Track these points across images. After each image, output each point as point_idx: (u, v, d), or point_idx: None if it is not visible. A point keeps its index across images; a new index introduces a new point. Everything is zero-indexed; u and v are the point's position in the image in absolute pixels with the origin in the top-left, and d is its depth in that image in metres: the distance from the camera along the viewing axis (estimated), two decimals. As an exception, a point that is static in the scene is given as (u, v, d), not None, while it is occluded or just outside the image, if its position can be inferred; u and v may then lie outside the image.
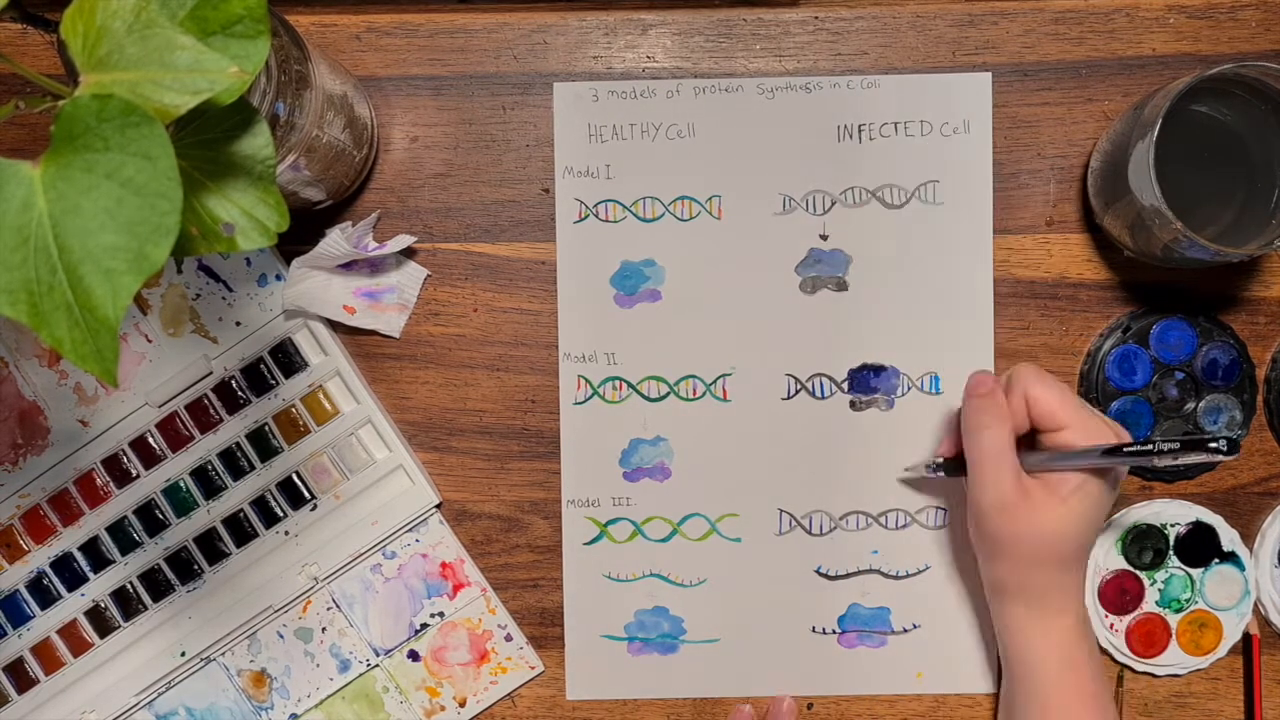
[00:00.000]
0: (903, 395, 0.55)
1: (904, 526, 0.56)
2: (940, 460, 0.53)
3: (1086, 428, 0.48)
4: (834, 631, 0.56)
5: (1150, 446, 0.44)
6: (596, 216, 0.55)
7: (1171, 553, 0.55)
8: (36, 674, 0.55)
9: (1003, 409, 0.49)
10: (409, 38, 0.55)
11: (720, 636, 0.56)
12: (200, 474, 0.55)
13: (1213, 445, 0.41)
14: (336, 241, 0.51)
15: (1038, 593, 0.49)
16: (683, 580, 0.56)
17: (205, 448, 0.55)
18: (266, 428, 0.55)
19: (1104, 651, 0.55)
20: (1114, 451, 0.45)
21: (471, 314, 0.56)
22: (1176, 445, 0.43)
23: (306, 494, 0.55)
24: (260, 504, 0.55)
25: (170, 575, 0.55)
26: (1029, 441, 0.50)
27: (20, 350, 0.55)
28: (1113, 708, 0.50)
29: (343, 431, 0.55)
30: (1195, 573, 0.55)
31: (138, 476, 0.55)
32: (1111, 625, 0.55)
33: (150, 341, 0.55)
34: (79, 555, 0.55)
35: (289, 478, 0.55)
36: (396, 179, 0.55)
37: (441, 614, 0.56)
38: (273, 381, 0.55)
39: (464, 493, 0.56)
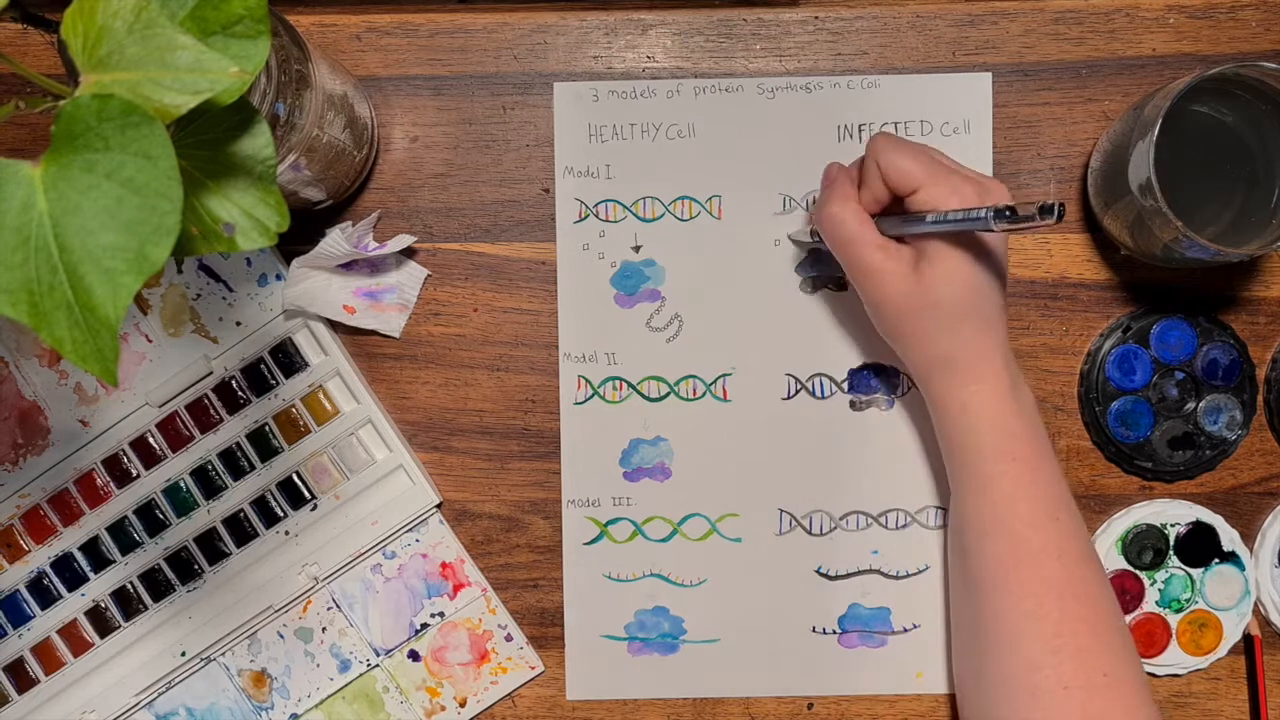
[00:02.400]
0: (903, 395, 0.55)
1: (904, 526, 0.56)
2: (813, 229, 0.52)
3: (942, 185, 0.46)
4: (834, 631, 0.56)
5: (980, 213, 0.42)
6: (596, 216, 0.55)
7: (1171, 553, 0.55)
8: (36, 674, 0.55)
9: (846, 186, 0.48)
10: (409, 38, 0.55)
11: (720, 636, 0.56)
12: (200, 474, 0.55)
13: (1026, 213, 0.40)
14: (336, 241, 0.51)
15: (954, 360, 0.48)
16: (683, 580, 0.56)
17: (205, 448, 0.55)
18: (266, 428, 0.55)
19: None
20: (953, 220, 0.44)
21: (471, 314, 0.56)
22: (1005, 213, 0.41)
23: (306, 494, 0.55)
24: (260, 504, 0.55)
25: (170, 575, 0.55)
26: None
27: (20, 350, 0.55)
28: (1059, 472, 0.48)
29: (343, 431, 0.55)
30: (1195, 573, 0.55)
31: (138, 476, 0.55)
32: (1112, 625, 0.55)
33: (150, 341, 0.55)
34: (79, 555, 0.55)
35: (289, 478, 0.55)
36: (396, 179, 0.55)
37: (442, 614, 0.56)
38: (273, 381, 0.55)
39: (464, 493, 0.56)
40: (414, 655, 0.56)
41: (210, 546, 0.55)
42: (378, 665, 0.56)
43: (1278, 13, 0.54)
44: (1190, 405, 0.54)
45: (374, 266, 0.55)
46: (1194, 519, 0.54)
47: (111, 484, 0.55)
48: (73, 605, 0.55)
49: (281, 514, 0.55)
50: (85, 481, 0.55)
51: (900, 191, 0.47)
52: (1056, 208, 0.39)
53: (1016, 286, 0.55)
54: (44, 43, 0.54)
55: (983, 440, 0.48)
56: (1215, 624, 0.55)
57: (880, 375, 0.55)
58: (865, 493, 0.56)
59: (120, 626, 0.55)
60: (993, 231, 0.43)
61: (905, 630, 0.56)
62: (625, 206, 0.55)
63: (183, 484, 0.55)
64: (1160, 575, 0.55)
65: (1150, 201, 0.46)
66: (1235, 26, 0.54)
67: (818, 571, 0.56)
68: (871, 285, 0.48)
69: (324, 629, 0.56)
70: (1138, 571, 0.55)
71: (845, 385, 0.55)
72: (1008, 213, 0.41)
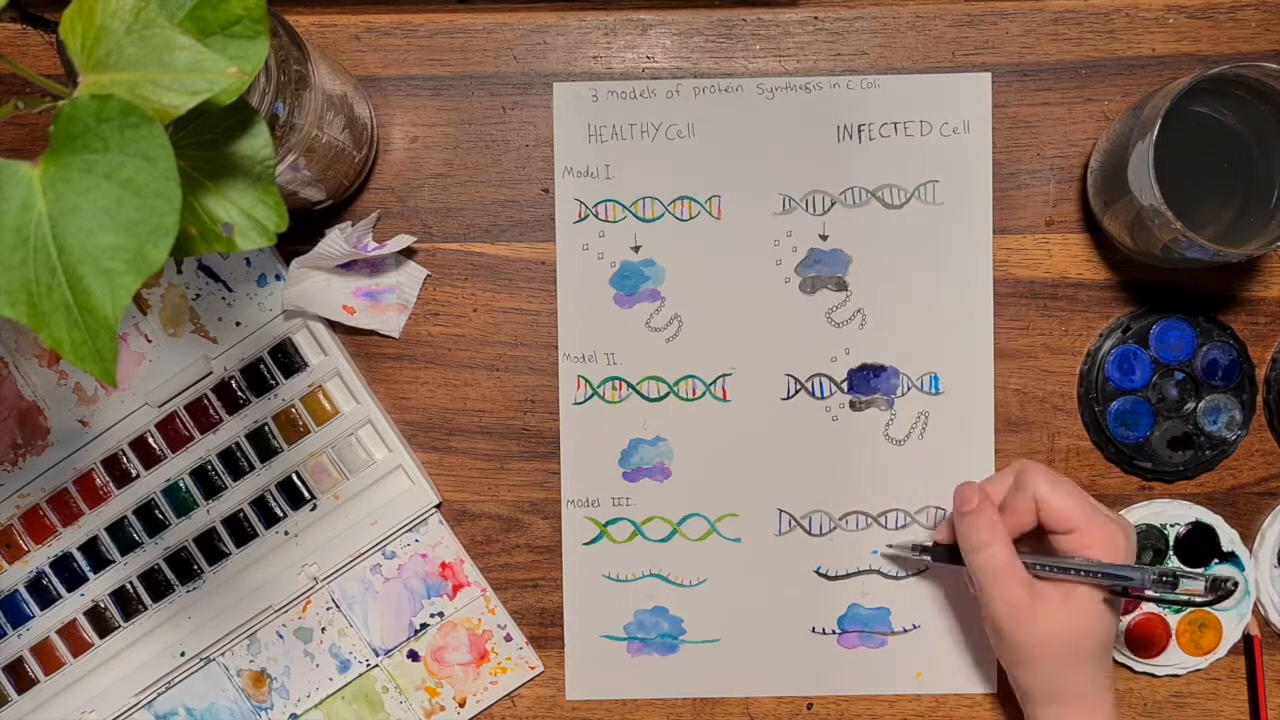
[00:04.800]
0: (903, 395, 0.55)
1: (904, 526, 0.56)
2: (930, 545, 0.53)
3: (1098, 532, 0.47)
4: (834, 632, 0.56)
5: (1140, 576, 0.44)
6: (596, 216, 0.55)
7: (1171, 553, 0.55)
8: (36, 674, 0.55)
9: (997, 524, 0.49)
10: (408, 38, 0.55)
11: (720, 637, 0.56)
12: (200, 474, 0.55)
13: (1203, 599, 0.41)
14: (336, 241, 0.51)
15: (1067, 695, 0.48)
16: (683, 580, 0.56)
17: (205, 448, 0.55)
18: (266, 428, 0.55)
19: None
20: (1116, 577, 0.45)
21: (471, 314, 0.56)
22: (1165, 580, 0.42)
23: (306, 494, 0.55)
24: (260, 504, 0.55)
25: (170, 575, 0.55)
26: (1036, 535, 0.49)
27: (20, 350, 0.55)
28: None
29: (342, 431, 0.55)
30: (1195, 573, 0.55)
31: (137, 476, 0.55)
32: (1111, 625, 0.55)
33: (150, 341, 0.55)
34: (79, 555, 0.55)
35: (289, 478, 0.55)
36: (396, 179, 0.55)
37: (441, 614, 0.56)
38: (272, 382, 0.55)
39: (464, 493, 0.56)
40: (413, 655, 0.56)
41: (210, 546, 0.55)
42: (377, 665, 0.56)
43: (1277, 13, 0.54)
44: (1190, 405, 0.54)
45: (373, 267, 0.55)
46: (1193, 519, 0.54)
47: (111, 484, 0.55)
48: (72, 605, 0.55)
49: (281, 514, 0.55)
50: (85, 481, 0.55)
51: (1054, 530, 0.48)
52: (1226, 588, 0.40)
53: (1016, 286, 0.55)
54: (43, 43, 0.54)
55: None
56: (1215, 624, 0.55)
57: (880, 375, 0.55)
58: (865, 493, 0.56)
59: (120, 626, 0.55)
60: (1142, 594, 0.43)
61: (905, 630, 0.56)
62: (625, 206, 0.55)
63: (182, 484, 0.55)
64: (1160, 575, 0.55)
65: (1150, 201, 0.46)
66: (1235, 26, 0.54)
67: (817, 572, 0.56)
68: (1014, 620, 0.47)
69: (323, 629, 0.56)
70: (1137, 572, 0.55)
71: (845, 385, 0.55)
72: (1167, 579, 0.42)
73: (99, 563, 0.55)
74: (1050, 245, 0.55)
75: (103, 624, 0.55)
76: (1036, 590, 0.47)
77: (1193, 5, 0.54)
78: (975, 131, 0.55)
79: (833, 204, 0.55)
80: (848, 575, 0.56)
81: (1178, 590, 0.42)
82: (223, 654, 0.56)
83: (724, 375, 0.55)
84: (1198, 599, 0.41)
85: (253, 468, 0.55)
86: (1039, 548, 0.50)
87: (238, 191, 0.34)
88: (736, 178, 0.55)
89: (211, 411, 0.55)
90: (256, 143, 0.34)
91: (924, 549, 0.53)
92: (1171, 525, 0.54)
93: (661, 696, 0.56)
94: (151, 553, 0.55)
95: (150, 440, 0.55)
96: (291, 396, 0.55)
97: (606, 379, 0.56)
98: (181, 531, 0.55)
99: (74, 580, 0.55)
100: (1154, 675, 0.55)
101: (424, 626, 0.56)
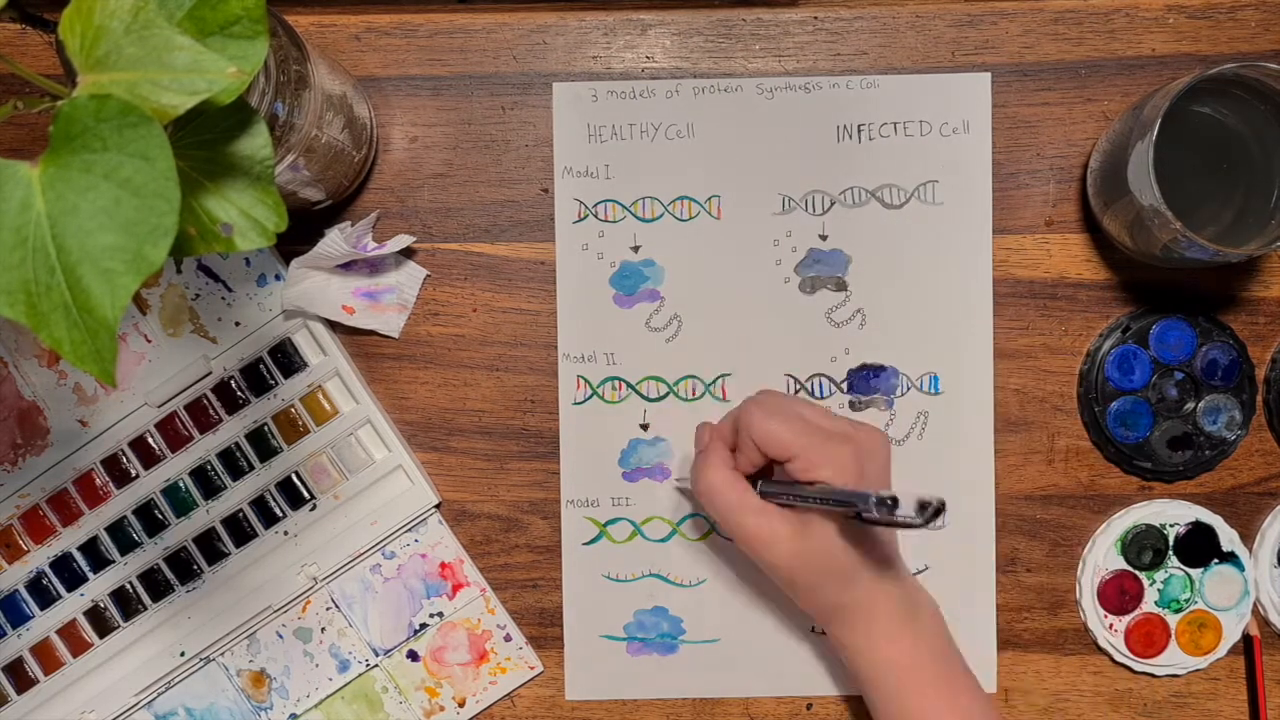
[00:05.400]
0: (903, 395, 0.55)
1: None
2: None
3: (816, 455, 0.46)
4: (833, 632, 0.56)
5: (860, 499, 0.42)
6: (596, 216, 0.55)
7: (1171, 553, 0.55)
8: (36, 674, 0.55)
9: (720, 452, 0.49)
10: (408, 38, 0.55)
11: (720, 636, 0.56)
12: (200, 474, 0.55)
13: (915, 520, 0.40)
14: (335, 241, 0.51)
15: (843, 609, 0.48)
16: (682, 580, 0.56)
17: (205, 448, 0.55)
18: (266, 428, 0.55)
19: (1103, 651, 0.55)
20: (840, 502, 0.44)
21: (471, 314, 0.56)
22: (888, 503, 0.41)
23: (306, 494, 0.55)
24: (259, 504, 0.55)
25: (170, 575, 0.55)
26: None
27: (20, 350, 0.55)
28: (969, 686, 0.48)
29: (342, 431, 0.55)
30: (1195, 573, 0.55)
31: (137, 476, 0.55)
32: (1111, 625, 0.55)
33: (149, 341, 0.55)
34: (78, 555, 0.55)
35: (288, 478, 0.55)
36: (396, 179, 0.55)
37: (441, 614, 0.56)
38: (272, 382, 0.55)
39: (463, 493, 0.56)
40: (413, 655, 0.56)
41: (209, 546, 0.55)
42: (377, 665, 0.56)
43: (1277, 13, 0.54)
44: (1190, 405, 0.54)
45: (373, 267, 0.55)
46: (1193, 519, 0.54)
47: (111, 484, 0.55)
48: (72, 605, 0.55)
49: (281, 514, 0.55)
50: (84, 481, 0.55)
51: (776, 459, 0.48)
52: (935, 510, 0.39)
53: (1016, 286, 0.55)
54: (42, 43, 0.54)
55: (886, 679, 0.48)
56: (1214, 624, 0.55)
57: (880, 375, 0.55)
58: (864, 493, 0.55)
59: (119, 626, 0.55)
60: (868, 519, 0.42)
61: (904, 630, 0.56)
62: (624, 206, 0.55)
63: (182, 484, 0.55)
64: (1159, 575, 0.55)
65: (1149, 201, 0.46)
66: (1235, 26, 0.54)
67: (817, 572, 0.56)
68: (756, 551, 0.48)
69: (323, 629, 0.56)
70: (1137, 572, 0.55)
71: (845, 385, 0.55)
72: (890, 502, 0.41)
73: (99, 563, 0.55)
74: (1050, 245, 0.55)
75: (103, 624, 0.55)
76: (774, 519, 0.47)
77: (1193, 5, 0.54)
78: (975, 131, 0.55)
79: (832, 204, 0.55)
80: (847, 575, 0.56)
81: (895, 514, 0.41)
82: (222, 654, 0.56)
83: (724, 375, 0.55)
84: (913, 522, 0.40)
85: (252, 468, 0.55)
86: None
87: (237, 191, 0.34)
88: (736, 178, 0.55)
89: (211, 411, 0.55)
90: (256, 143, 0.34)
91: (681, 489, 0.54)
92: (1171, 525, 0.54)
93: (661, 696, 0.56)
94: (151, 553, 0.55)
95: (150, 440, 0.55)
96: (291, 396, 0.55)
97: (606, 379, 0.56)
98: (181, 531, 0.55)
99: (74, 580, 0.55)
100: (1154, 675, 0.55)
101: (423, 626, 0.56)
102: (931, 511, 0.40)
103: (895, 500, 0.40)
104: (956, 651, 0.49)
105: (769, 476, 0.50)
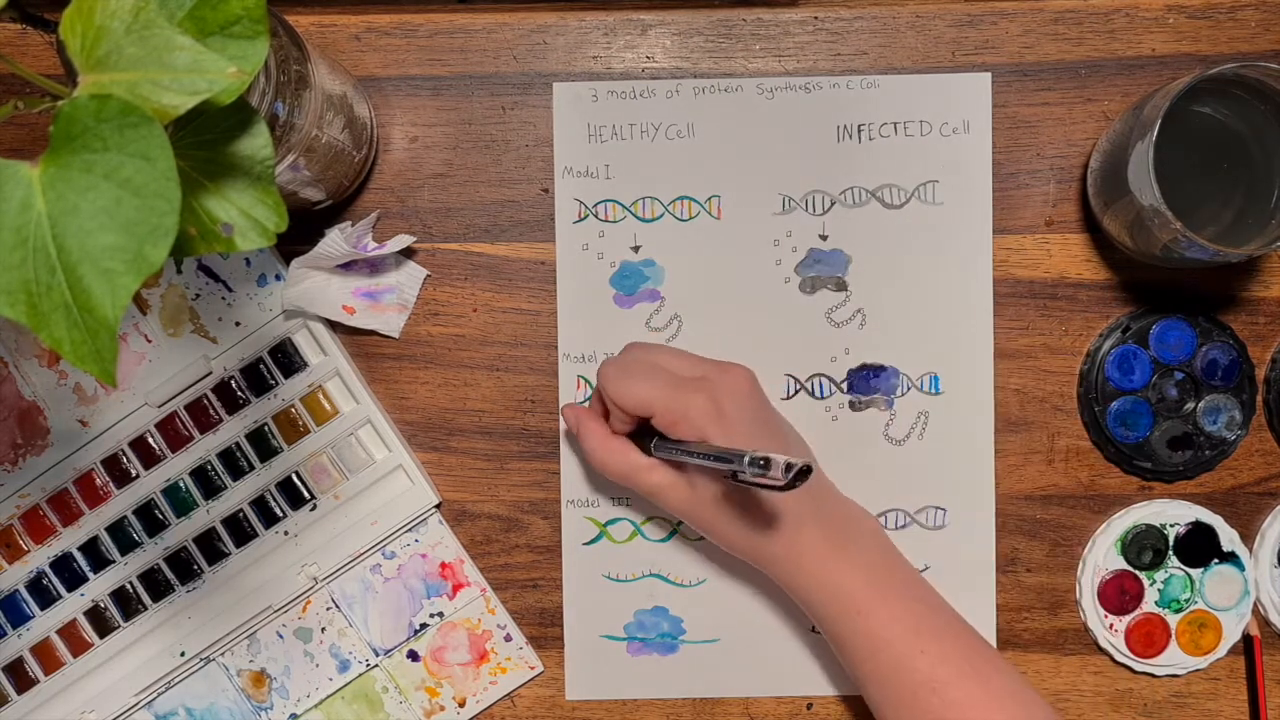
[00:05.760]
0: (903, 395, 0.55)
1: (903, 527, 0.56)
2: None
3: (675, 407, 0.46)
4: (833, 631, 0.56)
5: (747, 466, 0.42)
6: (596, 216, 0.55)
7: (1171, 553, 0.55)
8: (36, 674, 0.55)
9: (593, 424, 0.50)
10: (408, 38, 0.55)
11: (720, 636, 0.56)
12: (200, 474, 0.55)
13: (780, 483, 0.40)
14: (336, 241, 0.51)
15: (766, 561, 0.49)
16: (682, 580, 0.56)
17: (205, 448, 0.55)
18: (266, 428, 0.55)
19: (1103, 651, 0.55)
20: (720, 460, 0.44)
21: (471, 314, 0.56)
22: (760, 463, 0.41)
23: (306, 494, 0.55)
24: (260, 504, 0.55)
25: (170, 575, 0.55)
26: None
27: (20, 350, 0.55)
28: (918, 597, 0.48)
29: (342, 431, 0.55)
30: (1195, 573, 0.55)
31: (137, 476, 0.55)
32: (1111, 625, 0.55)
33: (150, 341, 0.55)
34: (79, 555, 0.55)
35: (288, 478, 0.55)
36: (396, 179, 0.55)
37: (441, 614, 0.56)
38: (272, 382, 0.55)
39: (463, 493, 0.56)
40: (413, 655, 0.56)
41: (210, 546, 0.55)
42: (377, 665, 0.56)
43: (1277, 13, 0.54)
44: (1190, 405, 0.54)
45: (373, 267, 0.55)
46: (1193, 519, 0.54)
47: (111, 484, 0.55)
48: (72, 605, 0.55)
49: (281, 514, 0.55)
50: (85, 481, 0.55)
51: (639, 415, 0.48)
52: (800, 471, 0.40)
53: (1016, 286, 0.55)
54: (43, 43, 0.54)
55: (825, 604, 0.48)
56: (1215, 624, 0.55)
57: (880, 375, 0.55)
58: (865, 493, 0.55)
59: (120, 626, 0.55)
60: (746, 479, 0.42)
61: (905, 630, 0.56)
62: (624, 206, 0.55)
63: (182, 484, 0.55)
64: (1160, 575, 0.55)
65: (1150, 201, 0.46)
66: (1235, 26, 0.54)
67: (817, 572, 0.56)
68: (664, 503, 0.49)
69: (323, 629, 0.56)
70: (1137, 572, 0.55)
71: (845, 385, 0.55)
72: (762, 463, 0.41)
73: (99, 563, 0.55)
74: (1050, 245, 0.55)
75: (103, 624, 0.55)
76: (662, 472, 0.48)
77: (1193, 5, 0.54)
78: (975, 131, 0.55)
79: (832, 204, 0.55)
80: (847, 575, 0.56)
81: (767, 476, 0.41)
82: (223, 654, 0.56)
83: (724, 375, 0.55)
84: (777, 484, 0.40)
85: (252, 468, 0.55)
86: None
87: (237, 191, 0.34)
88: (736, 178, 0.55)
89: (211, 411, 0.55)
90: (256, 143, 0.34)
91: None
92: (1171, 525, 0.54)
93: (661, 696, 0.56)
94: (151, 553, 0.55)
95: (150, 440, 0.55)
96: (291, 396, 0.55)
97: (606, 379, 0.55)
98: (181, 531, 0.55)
99: (74, 580, 0.55)
100: (1154, 675, 0.55)
101: (424, 626, 0.56)
102: (796, 472, 0.40)
103: (767, 461, 0.40)
104: (901, 564, 0.49)
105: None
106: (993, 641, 0.55)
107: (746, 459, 0.41)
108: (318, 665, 0.56)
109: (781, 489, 0.40)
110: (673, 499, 0.48)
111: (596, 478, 0.56)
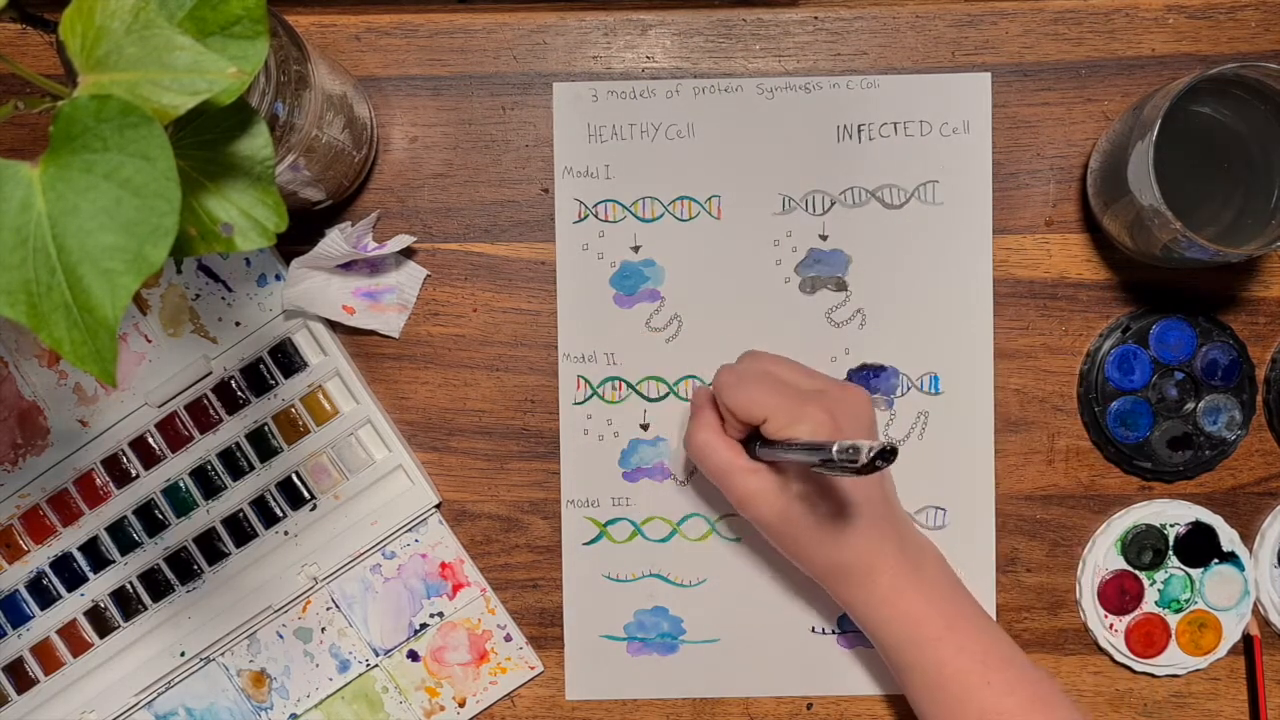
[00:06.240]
0: (903, 395, 0.55)
1: (903, 526, 0.56)
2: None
3: (787, 414, 0.47)
4: (834, 631, 0.56)
5: (826, 450, 0.42)
6: (596, 216, 0.55)
7: (1171, 553, 0.55)
8: (36, 674, 0.55)
9: (710, 414, 0.50)
10: (408, 38, 0.55)
11: (720, 636, 0.56)
12: (200, 474, 0.55)
13: (844, 460, 0.41)
14: (336, 241, 0.51)
15: (842, 567, 0.48)
16: (682, 580, 0.56)
17: (205, 448, 0.55)
18: (266, 428, 0.55)
19: (1103, 651, 0.55)
20: (811, 448, 0.44)
21: (471, 314, 0.56)
22: (849, 451, 0.41)
23: (306, 494, 0.55)
24: (260, 504, 0.55)
25: (170, 575, 0.55)
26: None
27: (20, 350, 0.55)
28: (983, 627, 0.48)
29: (342, 431, 0.55)
30: (1195, 573, 0.55)
31: (137, 476, 0.55)
32: (1111, 625, 0.55)
33: (150, 342, 0.55)
34: (79, 555, 0.55)
35: (289, 478, 0.55)
36: (396, 179, 0.55)
37: (441, 614, 0.56)
38: (272, 382, 0.55)
39: (463, 493, 0.56)
40: (413, 655, 0.56)
41: (210, 546, 0.55)
42: (377, 665, 0.56)
43: (1277, 13, 0.54)
44: (1190, 405, 0.54)
45: (373, 267, 0.55)
46: (1193, 519, 0.54)
47: (111, 484, 0.55)
48: (72, 605, 0.55)
49: (281, 514, 0.55)
50: (85, 481, 0.55)
51: (752, 423, 0.48)
52: (883, 452, 0.40)
53: (1016, 286, 0.55)
54: (43, 43, 0.54)
55: (896, 632, 0.48)
56: (1215, 624, 0.55)
57: (880, 375, 0.55)
58: (865, 493, 0.55)
59: (120, 626, 0.55)
60: (842, 468, 0.43)
61: (905, 630, 0.56)
62: (624, 206, 0.55)
63: (182, 484, 0.55)
64: (1160, 575, 0.55)
65: (1150, 201, 0.46)
66: (1235, 26, 0.54)
67: (817, 572, 0.56)
68: (750, 510, 0.49)
69: (323, 629, 0.56)
70: (1137, 572, 0.55)
71: (845, 385, 0.55)
72: (850, 450, 0.41)
73: (99, 563, 0.55)
74: (1050, 245, 0.55)
75: (103, 624, 0.55)
76: (760, 477, 0.48)
77: (1193, 5, 0.54)
78: (975, 131, 0.55)
79: (833, 204, 0.55)
80: (847, 575, 0.56)
81: (860, 464, 0.41)
82: (223, 654, 0.56)
83: (724, 375, 0.55)
84: (856, 464, 0.41)
85: (253, 468, 0.55)
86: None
87: (237, 191, 0.34)
88: (736, 178, 0.55)
89: (211, 411, 0.55)
90: (256, 143, 0.34)
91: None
92: (1171, 525, 0.54)
93: (661, 696, 0.56)
94: (151, 553, 0.55)
95: (150, 440, 0.55)
96: (291, 396, 0.55)
97: (606, 379, 0.56)
98: (181, 531, 0.55)
99: (74, 580, 0.55)
100: (1154, 675, 0.55)
101: (424, 626, 0.56)
102: (878, 453, 0.40)
103: (855, 449, 0.41)
104: (966, 595, 0.50)
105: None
106: (993, 641, 0.55)
107: (835, 446, 0.41)
108: (318, 665, 0.56)
109: (860, 470, 0.41)
110: (763, 505, 0.48)
111: (596, 478, 0.56)
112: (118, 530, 0.55)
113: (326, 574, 0.55)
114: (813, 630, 0.56)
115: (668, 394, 0.56)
